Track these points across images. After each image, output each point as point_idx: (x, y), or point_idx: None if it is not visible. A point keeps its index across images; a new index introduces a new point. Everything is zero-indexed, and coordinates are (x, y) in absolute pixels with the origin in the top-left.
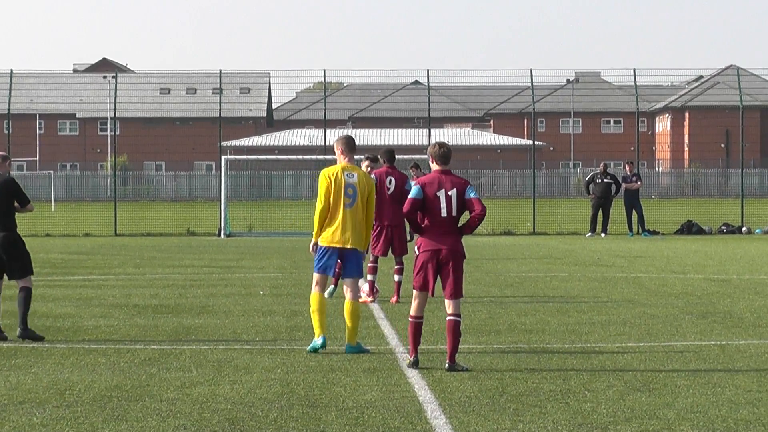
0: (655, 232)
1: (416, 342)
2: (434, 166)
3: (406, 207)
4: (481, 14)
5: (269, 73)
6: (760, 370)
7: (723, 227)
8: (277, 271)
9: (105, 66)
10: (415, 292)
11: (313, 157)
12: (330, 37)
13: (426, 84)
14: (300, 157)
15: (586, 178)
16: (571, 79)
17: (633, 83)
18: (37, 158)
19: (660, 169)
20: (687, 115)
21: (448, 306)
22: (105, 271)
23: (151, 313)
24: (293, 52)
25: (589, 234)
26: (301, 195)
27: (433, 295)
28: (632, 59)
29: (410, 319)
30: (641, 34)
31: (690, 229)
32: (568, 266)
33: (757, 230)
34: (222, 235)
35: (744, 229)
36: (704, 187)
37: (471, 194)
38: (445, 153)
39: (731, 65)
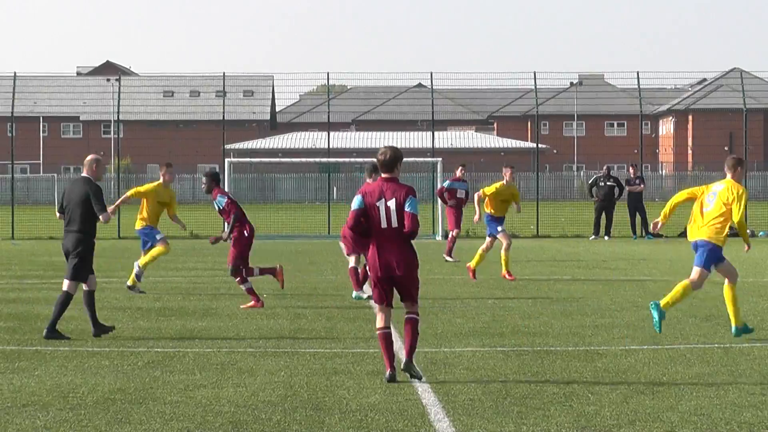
0: (658, 235)
1: (390, 355)
2: (382, 174)
3: (348, 221)
4: (484, 17)
5: (273, 76)
6: (764, 373)
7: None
8: None
9: (108, 69)
10: (375, 306)
11: (317, 159)
12: (333, 39)
13: (429, 87)
14: (303, 159)
15: (590, 181)
16: (575, 81)
17: (636, 86)
18: (41, 161)
19: (663, 171)
20: (690, 117)
21: (406, 306)
22: (108, 274)
23: (155, 316)
24: (297, 54)
25: (593, 237)
26: (305, 198)
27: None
28: (636, 62)
29: (377, 332)
30: (644, 36)
31: None
32: (572, 269)
33: (761, 233)
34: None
35: (747, 231)
36: None
37: (407, 207)
38: (386, 160)
39: (735, 68)
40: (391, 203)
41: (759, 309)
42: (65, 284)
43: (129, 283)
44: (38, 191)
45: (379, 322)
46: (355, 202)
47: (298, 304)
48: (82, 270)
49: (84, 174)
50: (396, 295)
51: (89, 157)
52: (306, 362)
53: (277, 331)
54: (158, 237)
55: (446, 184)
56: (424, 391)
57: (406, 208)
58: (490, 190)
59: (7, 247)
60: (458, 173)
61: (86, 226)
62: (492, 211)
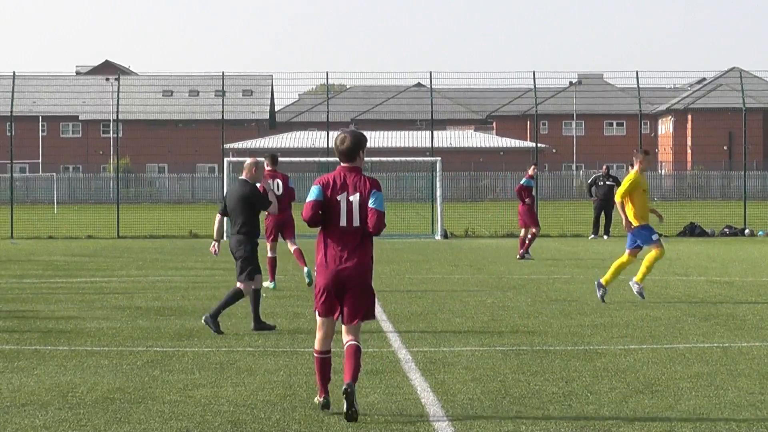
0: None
1: (325, 379)
2: (342, 163)
3: (305, 212)
4: (483, 16)
5: (272, 75)
6: (763, 372)
7: (726, 229)
8: (279, 274)
9: (108, 68)
10: (318, 319)
11: (316, 159)
12: (332, 39)
13: (429, 86)
14: (303, 159)
15: (589, 181)
16: (574, 81)
17: (636, 85)
18: (40, 160)
19: (663, 171)
20: (690, 117)
21: (345, 333)
22: (108, 274)
23: (154, 315)
24: (296, 54)
25: (592, 236)
26: (304, 197)
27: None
28: (635, 61)
29: (315, 355)
30: (644, 36)
31: (693, 231)
32: (571, 268)
33: (760, 232)
34: (225, 238)
35: (747, 231)
36: (707, 189)
37: (372, 202)
38: (346, 148)
39: (734, 67)
40: (355, 198)
41: (758, 308)
42: (238, 285)
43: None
44: (37, 190)
45: (319, 344)
46: (313, 192)
47: (297, 303)
48: (248, 269)
49: (242, 177)
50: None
51: (249, 161)
52: (305, 361)
53: (276, 330)
54: (654, 237)
55: (524, 182)
56: (423, 390)
57: (371, 204)
58: None
59: (6, 246)
60: (531, 171)
61: (246, 227)
62: None
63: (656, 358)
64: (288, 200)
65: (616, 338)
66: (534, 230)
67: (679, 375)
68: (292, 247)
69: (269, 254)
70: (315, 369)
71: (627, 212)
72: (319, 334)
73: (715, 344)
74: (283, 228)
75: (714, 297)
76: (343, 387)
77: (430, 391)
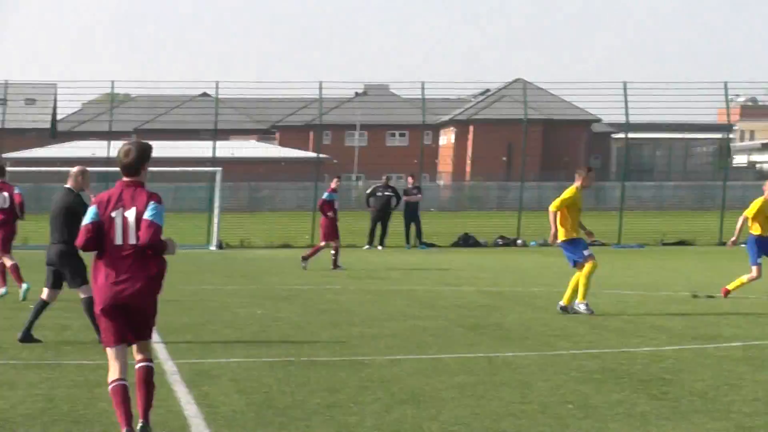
0: (431, 245)
1: (128, 411)
2: (124, 177)
3: (78, 238)
4: (268, 25)
5: (56, 84)
6: (524, 382)
7: (499, 240)
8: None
9: None
10: (108, 351)
11: (96, 169)
12: (119, 48)
13: (214, 96)
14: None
15: (368, 191)
16: (360, 91)
17: (420, 96)
18: None
19: (441, 182)
20: (471, 128)
21: (136, 351)
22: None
23: None
24: (82, 62)
25: (367, 246)
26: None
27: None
28: (422, 72)
29: (111, 384)
30: (431, 46)
31: (467, 241)
32: (343, 279)
33: (532, 242)
34: None
35: (519, 241)
36: (485, 200)
37: (147, 213)
38: (130, 162)
39: (518, 78)
40: (130, 213)
41: (524, 318)
42: (81, 295)
43: None
44: None
45: (114, 372)
46: (88, 215)
47: (64, 315)
48: (81, 276)
49: (67, 185)
50: None
51: (75, 169)
52: (69, 374)
53: (40, 344)
54: (585, 253)
55: (326, 196)
56: (186, 402)
57: (146, 216)
58: (756, 205)
59: None
60: (333, 185)
61: (68, 237)
62: (758, 230)
63: (421, 368)
64: (13, 213)
65: (383, 348)
66: (334, 243)
67: (443, 385)
68: (9, 263)
69: (9, 262)
70: (113, 402)
71: (558, 225)
72: (114, 365)
73: (481, 354)
74: (7, 240)
75: (483, 307)
76: (139, 426)
77: (193, 403)
